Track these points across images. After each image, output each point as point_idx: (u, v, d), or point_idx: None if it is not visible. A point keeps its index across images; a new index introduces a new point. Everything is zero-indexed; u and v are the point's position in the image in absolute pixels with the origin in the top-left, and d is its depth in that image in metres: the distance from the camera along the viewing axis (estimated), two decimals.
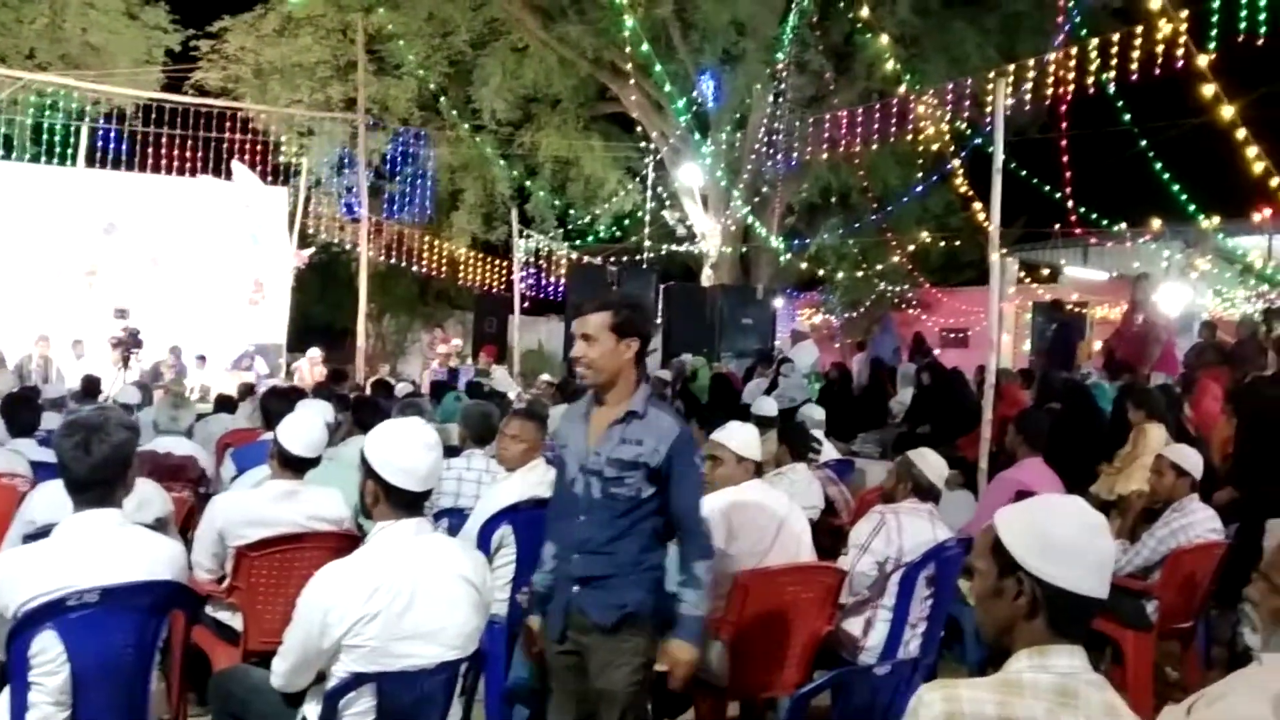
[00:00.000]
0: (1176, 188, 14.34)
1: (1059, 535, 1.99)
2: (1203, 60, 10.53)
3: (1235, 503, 6.90)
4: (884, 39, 15.64)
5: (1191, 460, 5.37)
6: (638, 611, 3.24)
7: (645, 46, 17.39)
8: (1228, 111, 10.04)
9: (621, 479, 3.20)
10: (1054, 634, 1.97)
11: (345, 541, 4.23)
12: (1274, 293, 18.57)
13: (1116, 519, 5.92)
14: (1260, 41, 11.75)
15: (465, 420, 5.88)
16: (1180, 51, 11.39)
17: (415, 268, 23.83)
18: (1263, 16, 12.10)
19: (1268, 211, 12.94)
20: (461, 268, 24.33)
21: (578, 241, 23.16)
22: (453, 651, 2.89)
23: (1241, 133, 10.33)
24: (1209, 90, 9.72)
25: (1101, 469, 7.02)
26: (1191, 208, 14.60)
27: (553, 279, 23.49)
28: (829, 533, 6.11)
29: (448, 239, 23.99)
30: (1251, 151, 10.33)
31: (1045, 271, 21.72)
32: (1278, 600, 2.43)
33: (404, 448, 2.92)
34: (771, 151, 18.92)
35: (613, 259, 21.54)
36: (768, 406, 8.53)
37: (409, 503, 2.94)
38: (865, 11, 14.91)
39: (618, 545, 3.23)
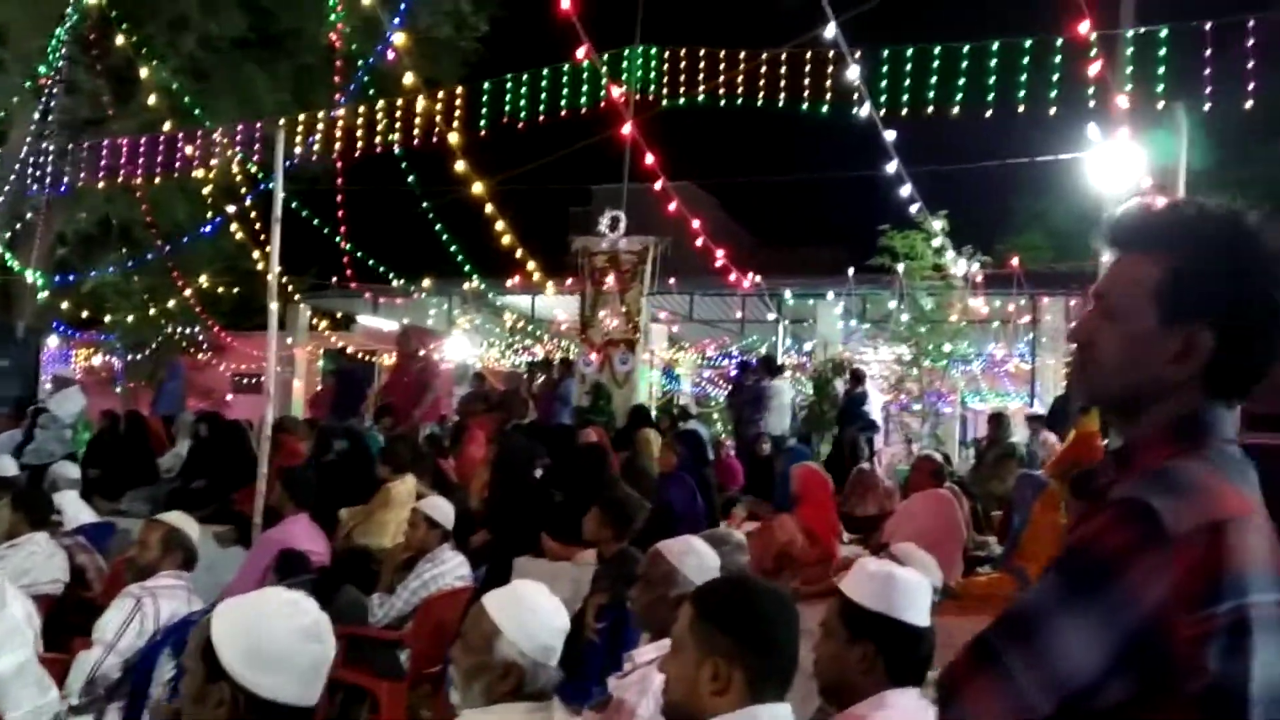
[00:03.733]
0: (454, 248, 15.56)
1: (269, 641, 1.87)
2: (454, 138, 11.52)
3: (488, 545, 7.47)
4: (169, 69, 14.86)
5: (443, 511, 5.66)
6: None
7: None
8: (479, 187, 11.04)
9: None
10: None
11: None
12: (536, 346, 20.96)
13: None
14: (520, 126, 13.24)
15: None
16: (439, 128, 12.40)
17: None
18: (523, 102, 13.67)
19: (535, 275, 14.63)
20: None
21: None
22: None
23: (489, 207, 11.48)
24: (461, 165, 10.62)
25: (340, 514, 7.17)
26: (466, 267, 15.94)
27: None
28: (76, 607, 5.47)
29: None
30: (499, 225, 11.55)
31: (339, 317, 22.15)
32: (472, 659, 2.55)
33: None
34: (37, 175, 16.87)
35: None
36: (6, 466, 7.46)
37: None
38: (149, 36, 14.05)
39: None
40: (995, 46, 11.23)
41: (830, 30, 6.23)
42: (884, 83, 11.90)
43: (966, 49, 11.50)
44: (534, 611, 2.56)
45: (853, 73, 6.64)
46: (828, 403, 13.58)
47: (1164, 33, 10.12)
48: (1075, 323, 1.56)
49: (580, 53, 7.04)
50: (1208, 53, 9.76)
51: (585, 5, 8.47)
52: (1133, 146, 6.99)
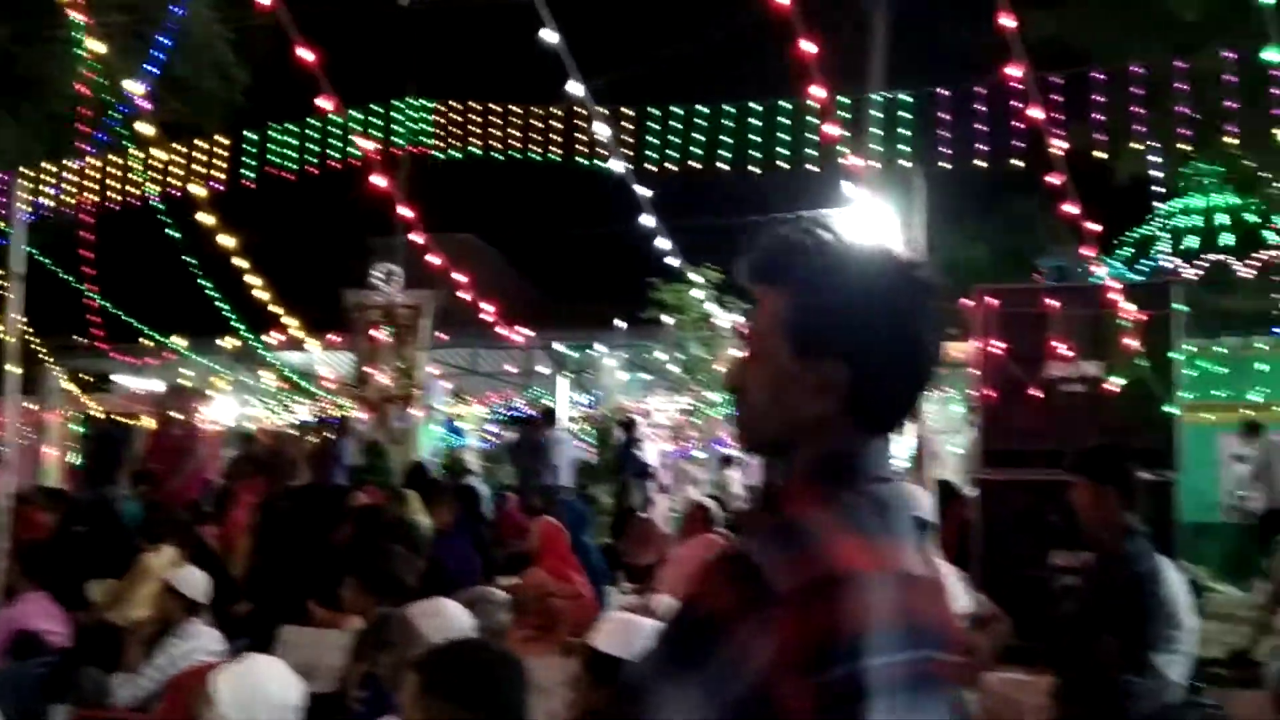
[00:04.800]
0: (218, 304, 14.89)
1: None
2: (200, 190, 11.14)
3: (251, 614, 7.13)
4: None
5: (192, 583, 5.37)
6: None
7: None
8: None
9: None
10: None
11: None
12: (309, 405, 20.25)
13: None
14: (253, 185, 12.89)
15: None
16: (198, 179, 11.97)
17: None
18: (289, 152, 13.34)
19: (298, 330, 14.15)
20: None
21: None
22: None
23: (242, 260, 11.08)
24: (211, 219, 10.21)
25: (91, 589, 6.78)
26: (235, 323, 15.28)
27: None
28: None
29: None
30: (258, 280, 11.19)
31: (94, 379, 20.74)
32: None
33: None
34: None
35: None
36: None
37: None
38: None
39: None
40: (759, 108, 11.80)
41: (578, 89, 6.39)
42: (655, 140, 12.34)
43: (733, 109, 12.05)
44: (255, 689, 2.46)
45: (601, 130, 6.83)
46: (610, 452, 13.70)
47: (907, 98, 10.91)
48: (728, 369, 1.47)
49: (329, 104, 6.93)
50: (944, 116, 10.56)
51: (345, 56, 8.37)
52: (881, 205, 7.44)
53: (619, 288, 16.95)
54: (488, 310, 8.17)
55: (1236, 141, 9.39)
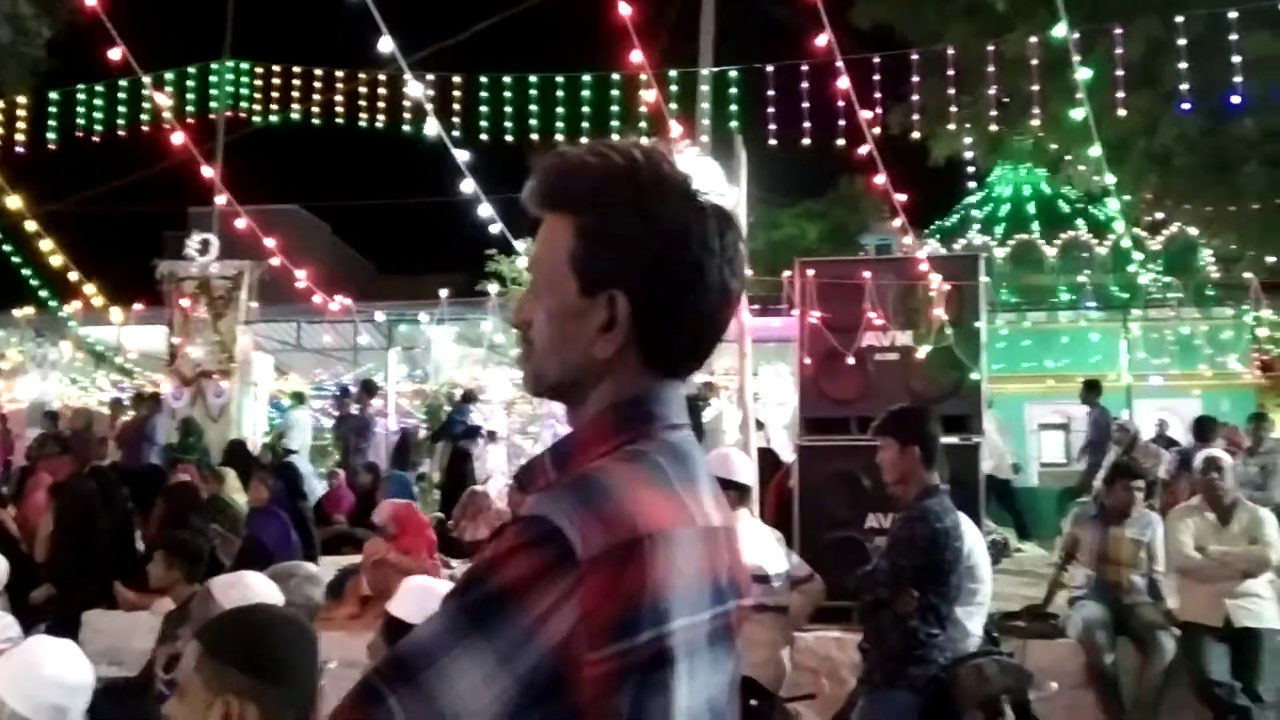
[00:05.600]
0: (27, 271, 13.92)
1: None
2: None
3: (52, 599, 6.77)
4: None
5: None
6: None
7: None
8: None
9: None
10: None
11: None
12: (127, 382, 19.23)
13: None
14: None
15: None
16: None
17: None
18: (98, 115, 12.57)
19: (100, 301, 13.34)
20: None
21: None
22: None
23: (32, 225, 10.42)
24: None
25: None
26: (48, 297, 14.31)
27: None
28: None
29: None
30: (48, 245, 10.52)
31: None
32: None
33: None
34: None
35: None
36: None
37: None
38: None
39: None
40: (587, 78, 11.77)
41: (387, 45, 6.19)
42: (484, 108, 12.16)
43: (561, 79, 11.98)
44: (30, 669, 2.31)
45: (415, 89, 6.66)
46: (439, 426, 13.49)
47: (734, 73, 11.08)
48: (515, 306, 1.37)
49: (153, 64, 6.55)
50: (771, 92, 10.76)
51: (158, 16, 7.92)
52: (707, 175, 7.50)
53: (456, 260, 16.63)
54: (298, 277, 7.81)
55: (1038, 123, 9.88)
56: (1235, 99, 9.05)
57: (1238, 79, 8.84)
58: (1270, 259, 12.29)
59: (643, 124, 10.68)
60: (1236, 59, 8.83)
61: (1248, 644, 5.69)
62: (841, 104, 8.73)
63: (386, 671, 1.11)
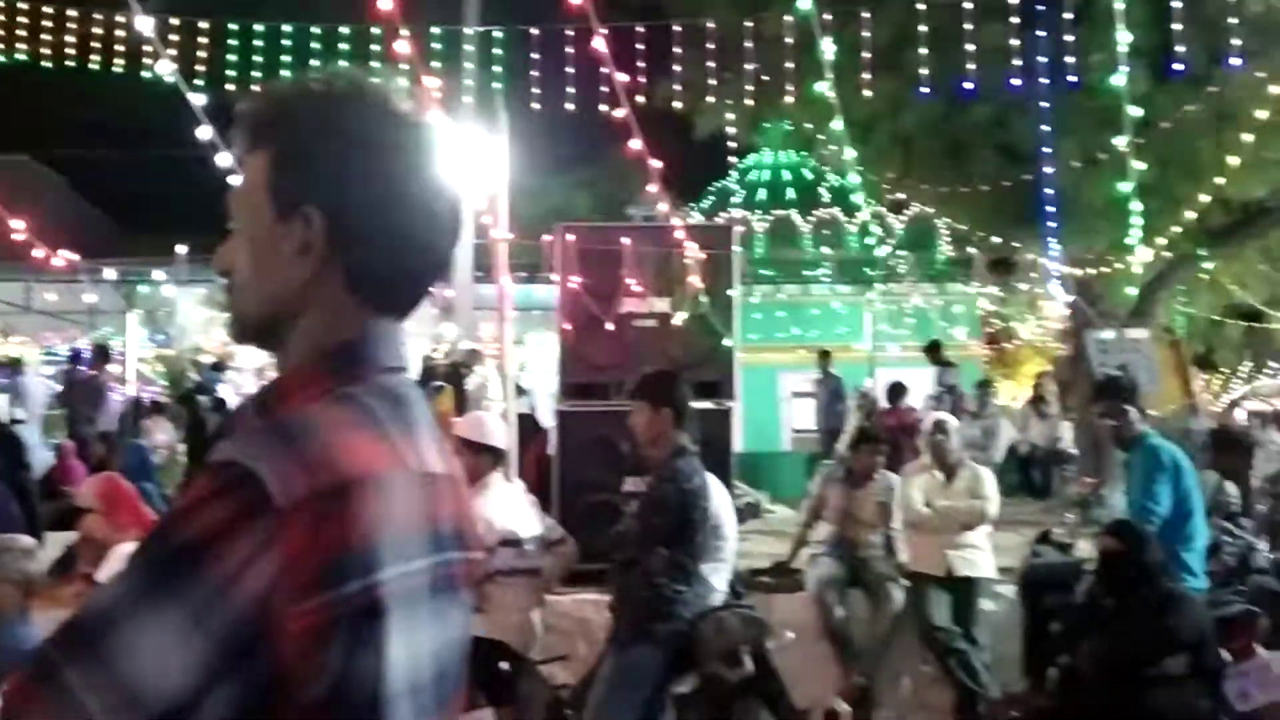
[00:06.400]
0: None
1: None
2: None
3: None
4: None
5: None
6: None
7: None
8: None
9: None
10: None
11: None
12: None
13: None
14: None
15: None
16: None
17: None
18: None
19: None
20: None
21: None
22: None
23: None
24: None
25: None
26: None
27: None
28: None
29: None
30: None
31: None
32: None
33: None
34: None
35: None
36: None
37: None
38: None
39: None
40: (345, 30, 11.33)
41: None
42: (235, 57, 11.49)
43: (318, 30, 11.48)
44: None
45: (144, 23, 6.20)
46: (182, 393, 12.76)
47: (499, 34, 10.92)
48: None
49: None
50: (536, 56, 10.68)
51: None
52: (471, 138, 7.35)
53: (201, 218, 15.65)
54: (18, 229, 7.06)
55: (793, 101, 10.24)
56: (968, 85, 9.63)
57: (971, 66, 9.44)
58: (996, 239, 13.24)
59: (402, 81, 10.33)
60: (971, 48, 9.42)
61: (966, 592, 6.16)
62: (606, 72, 8.75)
63: (62, 640, 1.00)
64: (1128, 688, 4.41)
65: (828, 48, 7.74)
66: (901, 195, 15.44)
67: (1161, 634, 4.49)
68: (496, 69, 10.39)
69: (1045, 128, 9.82)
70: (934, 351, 13.85)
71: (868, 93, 9.81)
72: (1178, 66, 9.23)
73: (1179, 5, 8.89)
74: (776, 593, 6.50)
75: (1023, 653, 6.08)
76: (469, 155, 6.78)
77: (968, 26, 9.45)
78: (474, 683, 4.35)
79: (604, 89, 9.86)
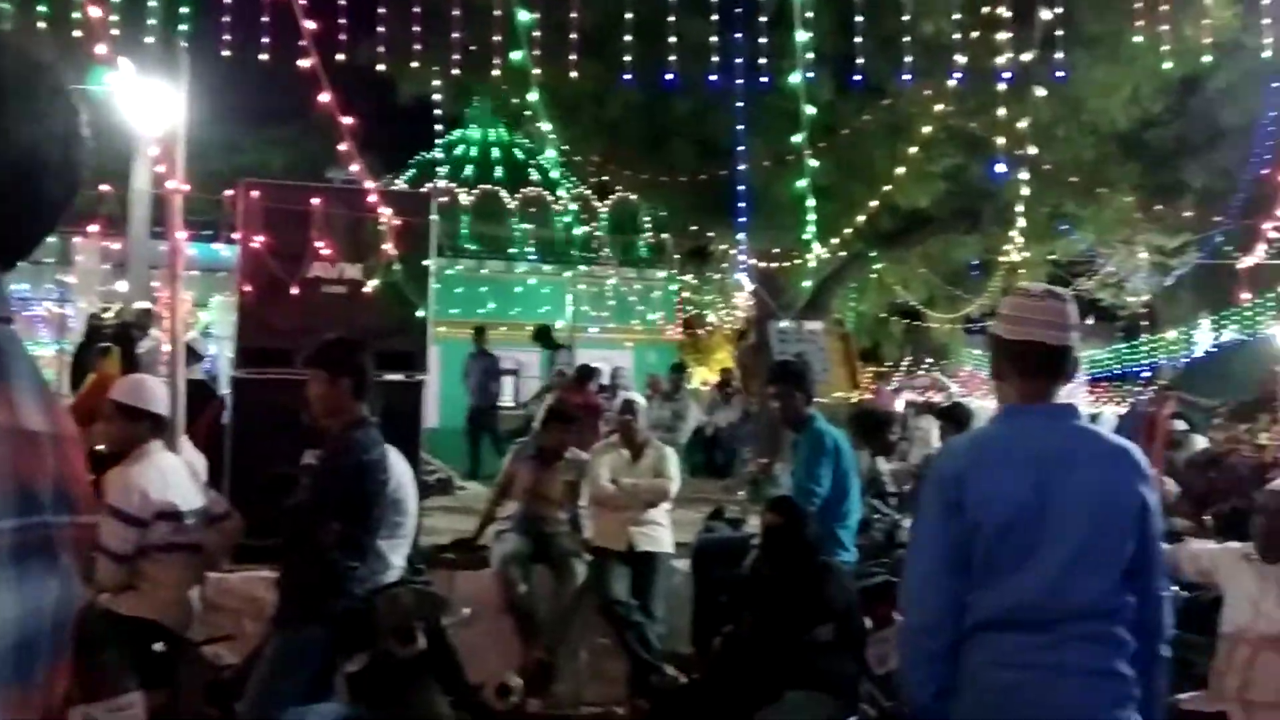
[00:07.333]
0: None
1: None
2: None
3: None
4: None
5: None
6: None
7: None
8: None
9: None
10: None
11: None
12: None
13: None
14: None
15: None
16: None
17: None
18: None
19: None
20: None
21: None
22: None
23: None
24: None
25: None
26: None
27: None
28: None
29: None
30: None
31: None
32: None
33: None
34: None
35: None
36: None
37: None
38: None
39: None
40: None
41: None
42: None
43: None
44: None
45: None
46: None
47: None
48: None
49: None
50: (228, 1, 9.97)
51: None
52: (150, 85, 6.75)
53: None
54: None
55: (499, 74, 10.14)
56: (670, 77, 9.90)
57: (674, 58, 9.71)
58: (693, 228, 13.78)
59: (76, 32, 9.41)
60: (674, 40, 9.69)
61: (645, 566, 6.36)
62: (309, 26, 8.30)
63: None
64: (782, 654, 4.69)
65: (526, 17, 7.71)
66: (605, 178, 15.74)
67: (814, 604, 4.80)
68: (183, 9, 9.57)
69: (739, 125, 10.25)
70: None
71: (574, 74, 9.87)
72: (858, 78, 9.90)
73: (860, 19, 9.51)
74: (459, 569, 6.45)
75: (692, 623, 6.35)
76: (140, 101, 6.26)
77: (671, 19, 9.70)
78: (124, 665, 4.03)
79: (303, 43, 9.38)
